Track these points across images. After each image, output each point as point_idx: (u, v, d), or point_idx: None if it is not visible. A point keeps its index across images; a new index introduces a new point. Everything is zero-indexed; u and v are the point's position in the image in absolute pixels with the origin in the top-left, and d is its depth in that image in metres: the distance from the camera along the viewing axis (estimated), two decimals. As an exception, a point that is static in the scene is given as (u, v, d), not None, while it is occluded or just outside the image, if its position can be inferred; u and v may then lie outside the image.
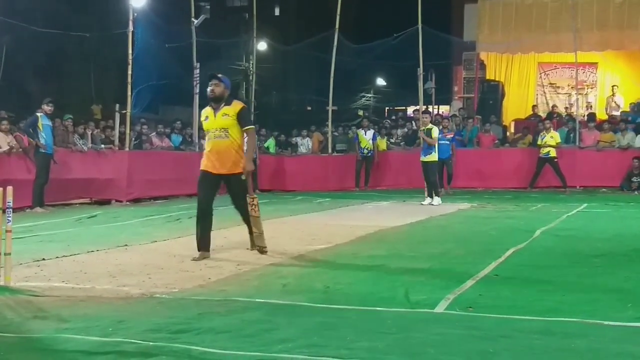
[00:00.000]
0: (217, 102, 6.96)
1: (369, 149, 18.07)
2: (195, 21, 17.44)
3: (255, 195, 7.31)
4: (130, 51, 14.96)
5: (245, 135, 7.05)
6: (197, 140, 17.45)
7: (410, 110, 27.81)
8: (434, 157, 13.51)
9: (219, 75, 7.04)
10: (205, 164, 7.07)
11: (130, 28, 14.99)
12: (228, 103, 6.99)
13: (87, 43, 23.64)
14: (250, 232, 7.20)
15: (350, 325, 4.15)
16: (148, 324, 4.16)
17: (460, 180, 17.19)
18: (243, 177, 6.97)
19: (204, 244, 6.91)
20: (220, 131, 6.91)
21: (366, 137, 18.17)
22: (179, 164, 15.90)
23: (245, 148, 7.09)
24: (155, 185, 14.96)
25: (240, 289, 5.32)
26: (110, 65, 26.00)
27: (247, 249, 7.22)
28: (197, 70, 17.26)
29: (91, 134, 15.24)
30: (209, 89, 6.99)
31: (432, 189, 13.37)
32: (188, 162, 16.33)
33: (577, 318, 4.32)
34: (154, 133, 16.97)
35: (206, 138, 7.17)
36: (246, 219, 7.16)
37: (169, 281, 5.62)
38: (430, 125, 13.78)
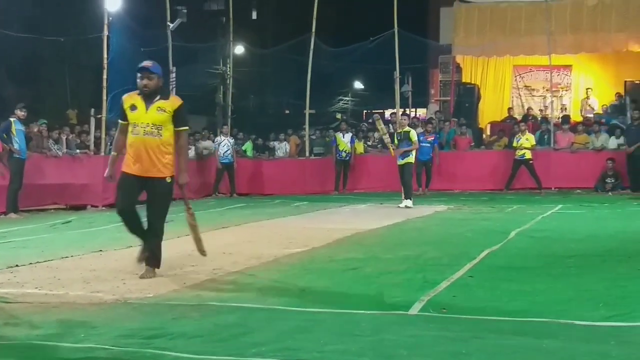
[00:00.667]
0: (151, 95, 6.01)
1: (347, 152, 18.08)
2: (171, 25, 17.39)
3: (190, 206, 6.59)
4: (105, 55, 14.88)
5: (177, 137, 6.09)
6: (173, 145, 17.38)
7: (387, 113, 27.93)
8: (411, 159, 13.52)
9: (149, 66, 6.03)
10: (127, 165, 6.06)
11: (106, 32, 14.91)
12: (164, 96, 6.08)
13: (62, 47, 23.43)
14: (145, 251, 6.23)
15: (325, 328, 4.15)
16: (121, 330, 4.14)
17: (437, 182, 17.28)
18: (169, 180, 6.11)
19: (152, 259, 6.09)
20: (152, 127, 5.94)
21: (344, 140, 18.18)
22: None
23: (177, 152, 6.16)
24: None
25: (215, 293, 5.30)
26: (85, 70, 25.81)
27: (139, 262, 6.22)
28: (173, 75, 17.21)
29: (66, 138, 15.13)
30: (140, 84, 5.99)
31: (408, 191, 13.38)
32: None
33: (549, 318, 4.37)
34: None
35: (129, 131, 6.01)
36: (151, 234, 6.17)
37: (143, 286, 5.59)
38: (407, 128, 13.76)
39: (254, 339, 3.90)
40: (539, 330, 4.09)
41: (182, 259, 7.02)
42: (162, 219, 6.27)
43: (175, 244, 8.23)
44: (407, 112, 19.36)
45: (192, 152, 17.91)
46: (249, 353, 3.60)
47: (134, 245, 8.08)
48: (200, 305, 4.85)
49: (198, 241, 6.51)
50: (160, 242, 6.25)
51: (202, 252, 6.50)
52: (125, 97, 6.12)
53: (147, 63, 6.07)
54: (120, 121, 6.21)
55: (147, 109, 5.97)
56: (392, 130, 16.81)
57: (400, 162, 13.50)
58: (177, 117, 6.04)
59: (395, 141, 13.89)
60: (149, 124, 5.95)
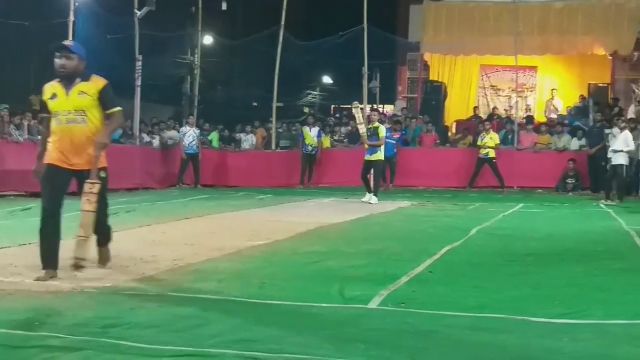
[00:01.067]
0: (70, 79, 5.48)
1: (313, 146, 18.08)
2: (139, 12, 17.18)
3: (98, 181, 5.62)
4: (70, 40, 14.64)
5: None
6: (137, 133, 17.22)
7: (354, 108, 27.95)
8: (380, 155, 13.46)
9: (69, 45, 5.62)
10: (52, 157, 5.57)
11: (71, 18, 14.68)
12: (85, 78, 5.51)
13: (27, 32, 22.98)
14: (99, 244, 5.86)
15: (283, 321, 4.15)
16: (77, 318, 4.09)
17: (402, 178, 17.39)
18: (103, 175, 5.69)
19: (50, 259, 5.45)
20: (75, 114, 5.45)
21: (311, 134, 18.18)
22: (117, 157, 15.48)
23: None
24: (93, 179, 14.65)
25: (174, 284, 5.26)
26: (50, 55, 25.33)
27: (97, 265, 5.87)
28: (140, 63, 17.04)
29: (28, 124, 14.86)
30: (57, 64, 5.48)
31: (375, 187, 13.37)
32: (127, 155, 16.13)
33: (506, 314, 4.42)
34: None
35: (53, 122, 5.56)
36: (100, 234, 5.81)
37: (101, 275, 5.52)
38: (377, 124, 13.72)
39: (211, 330, 3.88)
40: (495, 326, 4.14)
41: (143, 248, 6.96)
42: (104, 216, 5.87)
43: (135, 233, 8.17)
44: (375, 107, 19.40)
45: (156, 142, 17.78)
46: (206, 344, 3.58)
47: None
48: (158, 295, 4.81)
49: (80, 243, 5.43)
50: (109, 241, 5.96)
51: (78, 261, 5.34)
52: (45, 86, 5.63)
53: (67, 42, 5.69)
54: (41, 115, 5.81)
55: (67, 95, 5.46)
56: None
57: (369, 157, 13.41)
58: (104, 99, 5.52)
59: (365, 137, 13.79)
60: (71, 110, 5.45)
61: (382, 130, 13.60)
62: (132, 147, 16.61)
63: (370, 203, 12.91)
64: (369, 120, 14.17)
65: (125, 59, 17.31)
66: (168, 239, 7.75)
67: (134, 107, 17.17)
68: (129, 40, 17.03)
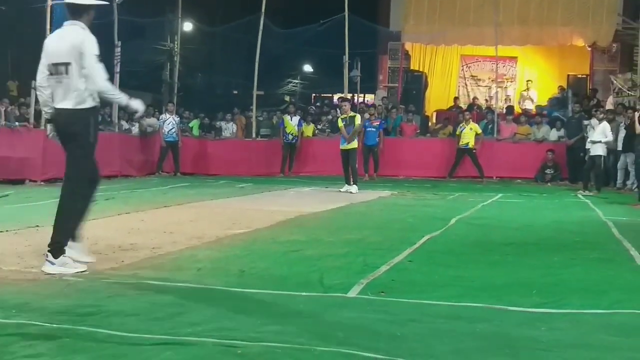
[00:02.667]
0: None
1: (294, 134, 18.06)
2: (118, -1, 17.01)
3: None
4: (48, 26, 14.45)
5: None
6: (116, 120, 17.09)
7: (336, 97, 27.96)
8: (355, 144, 13.50)
9: None
10: None
11: (49, 2, 14.48)
12: None
13: (3, 16, 22.65)
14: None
15: (263, 309, 4.15)
16: (54, 306, 4.06)
17: (383, 168, 17.43)
18: None
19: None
20: None
21: (292, 123, 18.15)
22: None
23: None
24: (72, 166, 14.52)
25: (153, 272, 5.23)
26: (28, 41, 25.01)
27: None
28: (118, 49, 16.88)
29: (5, 110, 14.69)
30: None
31: (354, 176, 13.39)
32: (107, 142, 15.92)
33: (484, 303, 4.45)
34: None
35: None
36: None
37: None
38: (352, 113, 13.75)
39: (190, 318, 3.87)
40: (473, 315, 4.17)
41: (121, 236, 6.91)
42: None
43: (114, 221, 8.12)
44: (348, 96, 19.33)
45: (135, 129, 17.66)
46: (184, 332, 3.57)
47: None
48: (137, 283, 4.78)
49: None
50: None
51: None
52: None
53: None
54: None
55: None
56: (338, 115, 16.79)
57: (345, 146, 13.37)
58: None
59: (340, 124, 13.69)
60: None
61: (358, 118, 13.65)
62: (111, 134, 16.47)
63: (350, 192, 12.91)
64: (342, 110, 14.18)
65: (104, 45, 17.09)
66: (147, 227, 7.71)
67: (113, 94, 17.02)
68: (108, 27, 16.84)
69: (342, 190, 13.20)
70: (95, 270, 5.23)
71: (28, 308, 4.00)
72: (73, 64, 5.23)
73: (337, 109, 20.52)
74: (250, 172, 17.47)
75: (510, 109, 19.73)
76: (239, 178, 16.07)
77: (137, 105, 5.51)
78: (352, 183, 13.24)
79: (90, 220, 8.07)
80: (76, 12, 5.40)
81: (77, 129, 5.33)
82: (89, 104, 5.29)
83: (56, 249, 5.20)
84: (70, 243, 5.35)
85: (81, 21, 5.39)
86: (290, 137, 18.02)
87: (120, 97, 5.56)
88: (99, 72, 5.24)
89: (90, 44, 5.25)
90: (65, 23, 5.47)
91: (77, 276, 5.00)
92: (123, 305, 4.14)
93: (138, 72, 22.43)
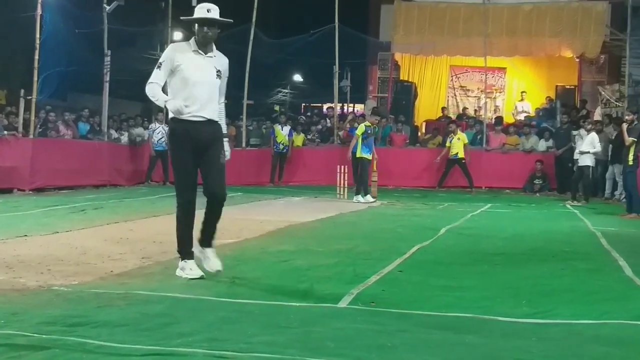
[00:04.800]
0: None
1: (284, 144, 18.07)
2: (108, 7, 16.98)
3: None
4: (38, 35, 14.42)
5: None
6: (105, 130, 17.04)
7: (325, 107, 27.99)
8: (369, 155, 13.63)
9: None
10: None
11: (39, 11, 14.44)
12: None
13: (-7, 25, 22.56)
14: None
15: (253, 320, 4.13)
16: (43, 317, 4.03)
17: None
18: None
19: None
20: None
21: (283, 132, 18.15)
22: (85, 153, 15.50)
23: None
24: (60, 175, 14.48)
25: (142, 282, 5.21)
26: (17, 49, 24.92)
27: None
28: (108, 58, 16.85)
29: (-7, 119, 14.61)
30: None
31: (363, 185, 13.49)
32: (96, 151, 15.97)
33: (474, 314, 4.46)
34: (60, 120, 16.45)
35: None
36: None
37: (68, 274, 5.45)
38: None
39: (180, 329, 3.85)
40: (463, 326, 4.17)
41: (110, 246, 6.88)
42: None
43: (103, 231, 8.09)
44: (345, 107, 19.44)
45: (125, 138, 17.60)
46: (174, 343, 3.55)
47: (61, 232, 7.91)
48: (126, 293, 4.75)
49: None
50: None
51: None
52: None
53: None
54: None
55: None
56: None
57: (367, 155, 13.52)
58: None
59: (362, 130, 13.65)
60: None
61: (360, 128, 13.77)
62: (100, 143, 16.44)
63: (366, 202, 13.06)
64: (369, 120, 14.22)
65: (94, 54, 17.09)
66: (136, 236, 7.67)
67: (103, 103, 16.99)
68: (98, 35, 16.81)
69: (360, 200, 13.22)
70: (84, 280, 5.20)
71: (17, 318, 3.97)
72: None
73: (327, 119, 20.57)
74: (240, 181, 17.40)
75: (499, 119, 19.80)
76: (228, 187, 15.97)
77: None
78: (361, 194, 13.40)
79: (78, 230, 8.08)
80: None
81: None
82: None
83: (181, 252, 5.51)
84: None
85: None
86: (281, 146, 18.03)
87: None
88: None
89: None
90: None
91: (65, 286, 4.97)
92: (112, 315, 4.11)
93: (128, 81, 22.35)
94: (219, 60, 5.82)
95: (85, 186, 14.80)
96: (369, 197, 13.33)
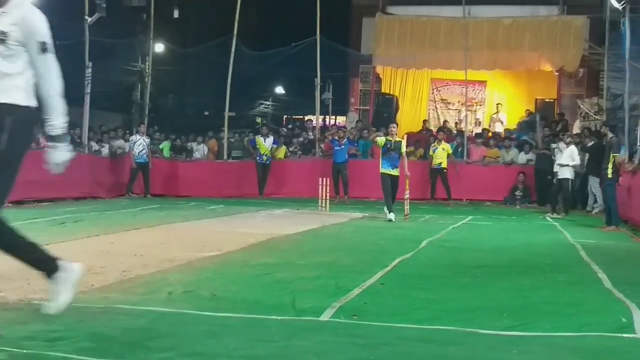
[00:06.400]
0: None
1: (268, 155, 18.07)
2: (89, 19, 16.93)
3: None
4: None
5: None
6: (86, 142, 16.94)
7: (306, 118, 28.06)
8: (396, 171, 12.61)
9: None
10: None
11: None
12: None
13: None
14: None
15: (235, 334, 4.12)
16: (23, 331, 3.99)
17: (353, 190, 17.47)
18: None
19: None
20: None
21: (265, 144, 18.15)
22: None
23: None
24: (39, 187, 14.29)
25: (124, 296, 5.18)
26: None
27: None
28: (89, 70, 16.78)
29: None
30: None
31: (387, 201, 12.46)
32: (76, 163, 15.77)
33: (456, 326, 4.48)
34: (40, 132, 16.32)
35: None
36: None
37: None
38: (398, 138, 12.81)
39: (162, 343, 3.83)
40: (444, 338, 4.19)
41: (91, 259, 6.82)
42: None
43: (83, 244, 8.03)
44: (327, 119, 19.47)
45: (105, 150, 17.52)
46: (156, 357, 3.54)
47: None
48: (107, 307, 4.72)
49: None
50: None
51: None
52: None
53: None
54: None
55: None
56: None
57: (392, 172, 12.51)
58: None
59: (381, 142, 12.52)
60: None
61: (404, 146, 12.85)
62: (80, 155, 16.30)
63: (391, 220, 12.09)
64: (390, 133, 12.71)
65: (75, 66, 17.00)
66: (117, 249, 7.63)
67: (83, 115, 16.90)
68: (79, 47, 16.75)
69: (392, 219, 12.10)
70: (64, 294, 5.15)
71: (-5, 333, 3.93)
72: None
73: (308, 131, 20.60)
74: (222, 193, 17.40)
75: (480, 132, 19.95)
76: (210, 200, 15.99)
77: None
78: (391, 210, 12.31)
79: (58, 243, 8.00)
80: None
81: None
82: None
83: None
84: None
85: None
86: (265, 158, 18.02)
87: None
88: None
89: None
90: None
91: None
92: (93, 330, 4.08)
93: (109, 92, 22.29)
94: (13, 17, 4.03)
95: (65, 198, 14.69)
96: (388, 214, 12.30)
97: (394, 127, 12.81)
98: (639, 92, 16.75)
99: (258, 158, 17.99)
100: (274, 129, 22.73)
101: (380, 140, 12.59)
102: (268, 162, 18.06)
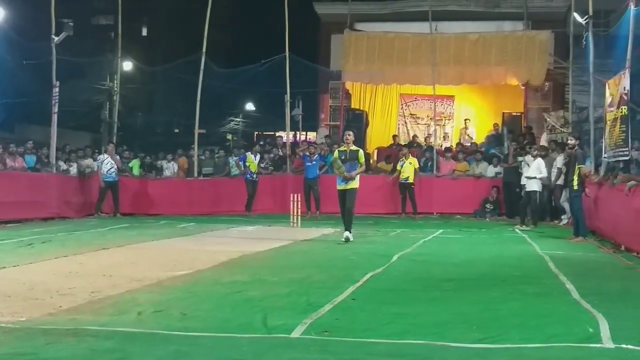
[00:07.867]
0: None
1: (257, 173, 18.01)
2: (56, 38, 16.80)
3: None
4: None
5: None
6: (54, 161, 16.76)
7: (277, 135, 28.09)
8: (356, 183, 11.54)
9: None
10: None
11: None
12: None
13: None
14: None
15: (205, 353, 4.11)
16: (-11, 356, 3.94)
17: (325, 205, 17.46)
18: None
19: None
20: None
21: (255, 161, 18.07)
22: (33, 186, 15.21)
23: None
24: (6, 208, 14.14)
25: (92, 317, 5.13)
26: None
27: None
28: (57, 89, 16.63)
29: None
30: None
31: (349, 219, 11.42)
32: (43, 183, 15.68)
33: (426, 340, 4.51)
34: (7, 153, 16.12)
35: None
36: None
37: (16, 309, 5.33)
38: (354, 147, 11.60)
39: (131, 364, 3.81)
40: (416, 352, 4.21)
41: (59, 280, 6.75)
42: None
43: (51, 265, 7.93)
44: (297, 135, 19.49)
45: (74, 170, 17.34)
46: (125, 379, 3.51)
47: (8, 267, 7.73)
48: (76, 329, 4.67)
49: None
50: None
51: None
52: None
53: None
54: None
55: None
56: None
57: (343, 187, 11.45)
58: None
59: (336, 155, 11.60)
60: None
61: (362, 156, 11.69)
62: (48, 175, 16.14)
63: (348, 240, 10.98)
64: (345, 141, 11.74)
65: (42, 85, 16.87)
66: (86, 270, 7.54)
67: (51, 134, 16.73)
68: (46, 66, 16.60)
69: (343, 239, 11.01)
70: (32, 316, 5.09)
71: (-39, 358, 3.87)
72: None
73: (279, 148, 20.60)
74: (192, 211, 17.30)
75: (450, 147, 20.15)
76: (180, 218, 15.89)
77: None
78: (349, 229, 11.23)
79: (26, 265, 7.90)
80: None
81: None
82: None
83: None
84: None
85: None
86: (255, 175, 17.94)
87: None
88: None
89: None
90: None
91: (13, 323, 4.85)
92: (61, 352, 4.04)
93: (77, 111, 22.13)
94: None
95: (33, 219, 14.50)
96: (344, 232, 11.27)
97: (349, 135, 11.59)
98: (603, 104, 17.05)
99: (248, 175, 17.88)
100: (245, 145, 22.70)
101: (335, 155, 11.59)
102: (257, 179, 17.98)
